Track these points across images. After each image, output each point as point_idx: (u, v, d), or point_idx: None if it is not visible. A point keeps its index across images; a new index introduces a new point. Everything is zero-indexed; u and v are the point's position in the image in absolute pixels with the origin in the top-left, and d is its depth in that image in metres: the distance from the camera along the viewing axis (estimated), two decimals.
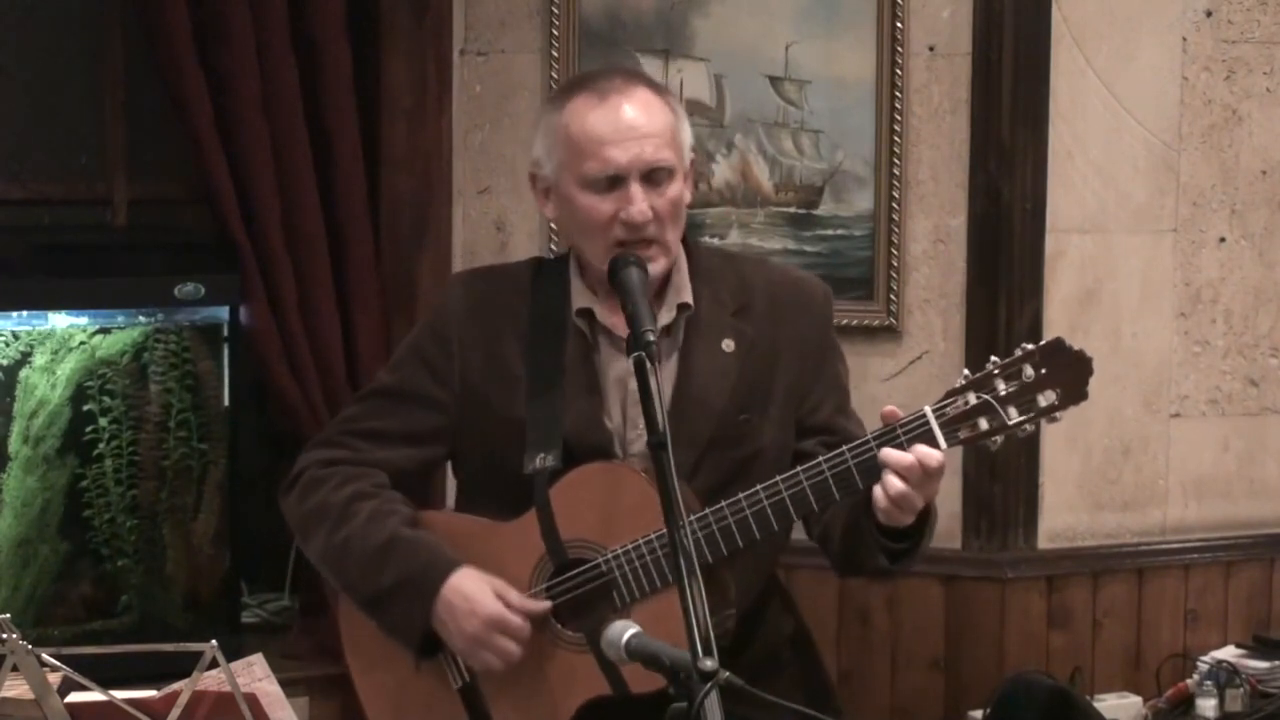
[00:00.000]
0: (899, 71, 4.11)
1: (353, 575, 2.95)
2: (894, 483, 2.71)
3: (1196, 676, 4.08)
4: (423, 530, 2.95)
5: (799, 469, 2.79)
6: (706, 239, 4.19)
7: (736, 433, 2.92)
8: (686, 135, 2.94)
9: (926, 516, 2.81)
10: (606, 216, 2.86)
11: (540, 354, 2.94)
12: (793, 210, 4.21)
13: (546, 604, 2.86)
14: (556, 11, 4.30)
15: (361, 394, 3.16)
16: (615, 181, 2.85)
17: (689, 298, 2.94)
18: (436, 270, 4.38)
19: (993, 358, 2.75)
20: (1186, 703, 4.08)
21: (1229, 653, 4.16)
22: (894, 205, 4.13)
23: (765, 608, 3.04)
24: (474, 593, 2.85)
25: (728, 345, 2.93)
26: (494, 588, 2.86)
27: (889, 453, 2.72)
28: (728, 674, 2.19)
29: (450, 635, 2.88)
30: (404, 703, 2.98)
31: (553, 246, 4.22)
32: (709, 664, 2.20)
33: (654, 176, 2.86)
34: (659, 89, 2.96)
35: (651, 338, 2.66)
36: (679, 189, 2.90)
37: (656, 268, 2.88)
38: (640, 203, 2.84)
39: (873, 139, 4.15)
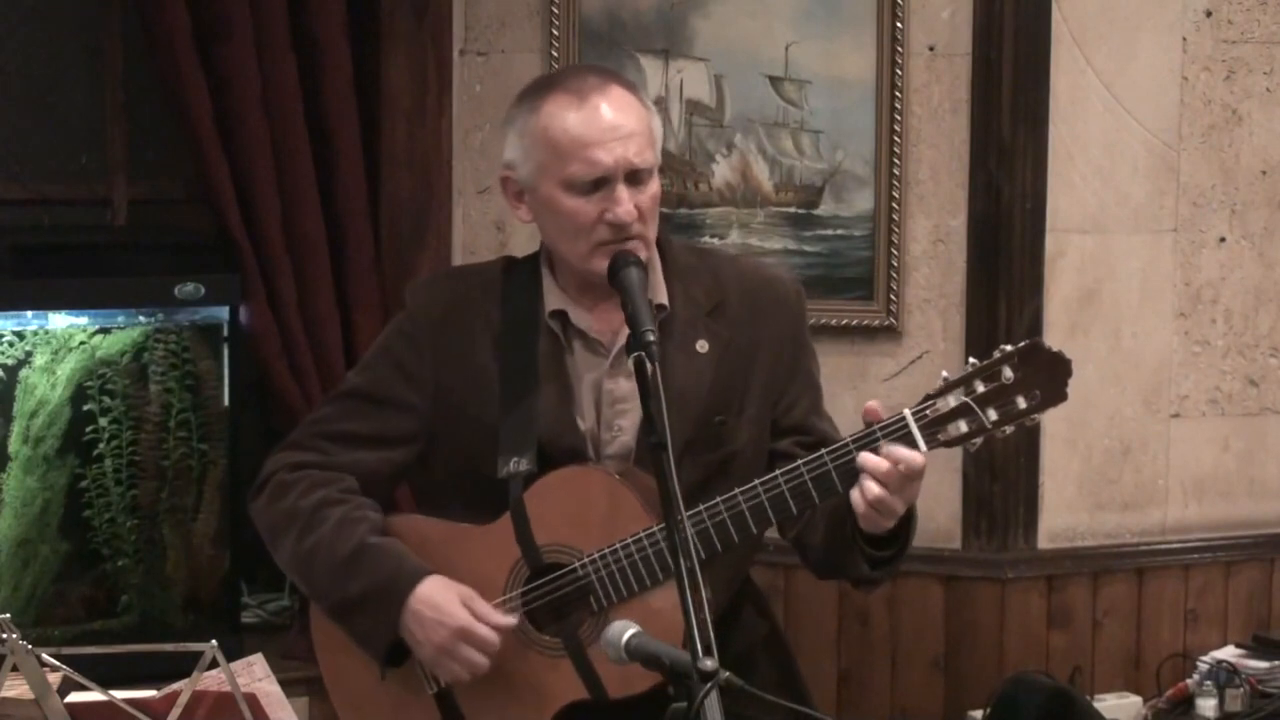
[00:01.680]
0: (899, 71, 4.11)
1: (321, 583, 2.92)
2: (872, 488, 2.68)
3: (1196, 676, 4.09)
4: (391, 538, 2.91)
5: (777, 473, 2.77)
6: (706, 239, 4.20)
7: (713, 434, 2.89)
8: (659, 130, 2.92)
9: (908, 522, 2.78)
10: (592, 218, 2.82)
11: (513, 356, 2.90)
12: (793, 210, 4.21)
13: (512, 619, 2.83)
14: (556, 11, 4.30)
15: (332, 395, 3.10)
16: (599, 183, 2.82)
17: (664, 298, 2.91)
18: (436, 270, 4.37)
19: (970, 359, 2.72)
20: (1186, 703, 4.08)
21: (1229, 653, 4.16)
22: (894, 205, 4.13)
23: (739, 610, 3.02)
24: (442, 602, 2.82)
25: (702, 346, 2.90)
26: (462, 596, 2.82)
27: (866, 458, 2.69)
28: (728, 674, 2.19)
29: (418, 645, 2.84)
30: (378, 708, 2.96)
31: None
32: (709, 664, 2.20)
33: (637, 175, 2.83)
34: (631, 85, 2.92)
35: (652, 338, 2.63)
36: (658, 185, 2.88)
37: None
38: (627, 203, 2.81)
39: (873, 139, 4.15)
